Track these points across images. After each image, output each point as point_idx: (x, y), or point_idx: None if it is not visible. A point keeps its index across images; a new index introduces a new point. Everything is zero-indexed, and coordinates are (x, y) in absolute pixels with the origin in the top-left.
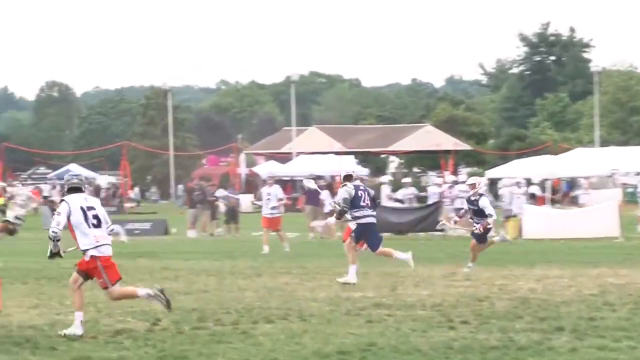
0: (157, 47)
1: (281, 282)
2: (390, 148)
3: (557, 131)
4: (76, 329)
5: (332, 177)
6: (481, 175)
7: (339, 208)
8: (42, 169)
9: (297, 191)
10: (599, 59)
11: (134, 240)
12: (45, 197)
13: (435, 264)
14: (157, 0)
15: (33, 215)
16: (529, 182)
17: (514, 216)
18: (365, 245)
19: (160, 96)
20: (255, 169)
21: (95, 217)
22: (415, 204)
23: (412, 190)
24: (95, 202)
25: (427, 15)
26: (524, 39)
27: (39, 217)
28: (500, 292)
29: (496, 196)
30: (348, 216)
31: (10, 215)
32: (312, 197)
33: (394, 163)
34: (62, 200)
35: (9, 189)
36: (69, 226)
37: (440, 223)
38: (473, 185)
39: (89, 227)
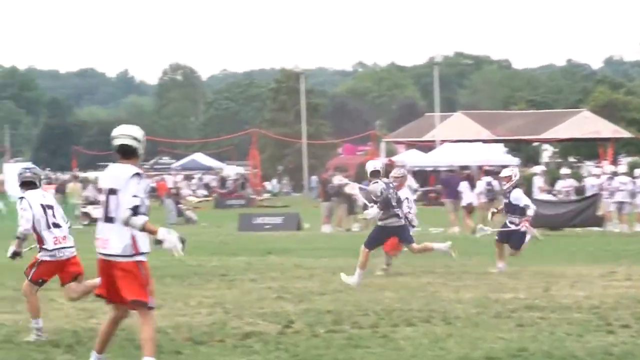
0: (288, 27)
1: (423, 282)
2: (543, 136)
3: None
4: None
5: (479, 167)
6: None
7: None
8: (165, 159)
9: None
10: None
11: (263, 235)
12: (172, 189)
13: (592, 262)
14: None
15: (157, 208)
16: None
17: None
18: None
19: (292, 80)
20: (395, 159)
21: (55, 216)
22: (573, 197)
23: (571, 182)
24: (52, 199)
25: None
26: None
27: (162, 210)
28: None
29: None
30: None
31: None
32: (451, 191)
33: (547, 152)
34: (21, 198)
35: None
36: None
37: (479, 227)
38: (509, 178)
39: (49, 227)
